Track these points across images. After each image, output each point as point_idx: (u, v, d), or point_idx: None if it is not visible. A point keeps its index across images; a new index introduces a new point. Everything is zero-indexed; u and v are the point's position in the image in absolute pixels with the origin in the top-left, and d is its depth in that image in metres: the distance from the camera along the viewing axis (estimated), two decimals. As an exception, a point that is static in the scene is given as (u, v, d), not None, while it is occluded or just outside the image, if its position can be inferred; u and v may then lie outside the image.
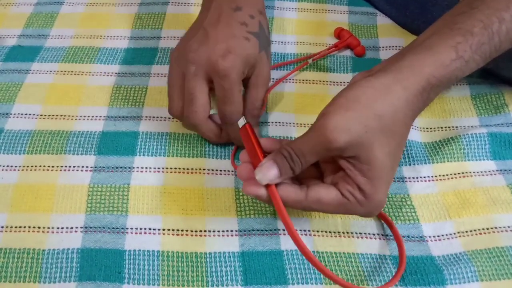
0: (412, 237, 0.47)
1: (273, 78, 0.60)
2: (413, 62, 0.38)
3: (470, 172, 0.51)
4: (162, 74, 0.60)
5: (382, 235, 0.47)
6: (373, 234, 0.47)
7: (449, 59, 0.37)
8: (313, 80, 0.61)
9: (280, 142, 0.42)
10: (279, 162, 0.38)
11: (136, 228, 0.47)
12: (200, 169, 0.51)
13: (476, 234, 0.47)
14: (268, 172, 0.38)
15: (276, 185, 0.39)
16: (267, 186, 0.39)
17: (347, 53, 0.64)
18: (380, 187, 0.38)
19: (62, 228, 0.47)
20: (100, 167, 0.51)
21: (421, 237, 0.47)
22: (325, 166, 0.42)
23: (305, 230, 0.47)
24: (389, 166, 0.38)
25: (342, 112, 0.36)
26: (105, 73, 0.60)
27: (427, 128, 0.56)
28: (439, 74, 0.37)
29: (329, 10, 0.69)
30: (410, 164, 0.52)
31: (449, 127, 0.56)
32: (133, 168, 0.51)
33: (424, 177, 0.51)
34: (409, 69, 0.37)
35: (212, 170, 0.51)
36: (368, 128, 0.36)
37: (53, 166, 0.51)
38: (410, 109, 0.37)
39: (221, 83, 0.47)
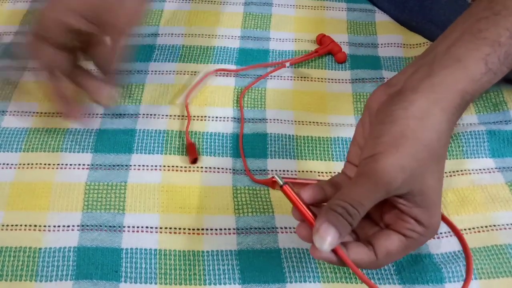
0: (411, 235, 0.47)
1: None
2: (444, 79, 0.36)
3: (468, 170, 0.51)
4: (159, 71, 0.60)
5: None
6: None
7: (479, 73, 0.36)
8: (312, 78, 0.61)
9: (323, 190, 0.38)
10: (335, 221, 0.34)
11: (133, 227, 0.47)
12: (197, 167, 0.51)
13: (475, 232, 0.47)
14: (327, 236, 0.33)
15: (346, 246, 0.36)
16: (335, 250, 0.35)
17: (345, 50, 0.63)
18: (435, 211, 0.36)
19: (59, 226, 0.46)
20: (97, 165, 0.51)
21: (419, 235, 0.47)
22: None
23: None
24: (440, 189, 0.37)
25: (393, 151, 0.34)
26: (102, 70, 0.60)
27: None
28: (471, 89, 0.36)
29: (327, 7, 0.69)
30: (408, 162, 0.52)
31: (447, 125, 0.56)
32: (130, 166, 0.51)
33: (423, 174, 0.51)
34: (442, 88, 0.36)
35: (210, 168, 0.51)
36: (420, 162, 0.34)
37: (49, 164, 0.50)
38: (450, 128, 0.36)
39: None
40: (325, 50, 0.63)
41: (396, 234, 0.36)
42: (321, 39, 0.64)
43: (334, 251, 0.35)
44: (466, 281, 0.40)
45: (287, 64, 0.61)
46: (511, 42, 0.36)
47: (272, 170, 0.52)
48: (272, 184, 0.50)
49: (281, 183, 0.38)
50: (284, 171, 0.52)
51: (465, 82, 0.36)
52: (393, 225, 0.36)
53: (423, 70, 0.37)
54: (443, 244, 0.47)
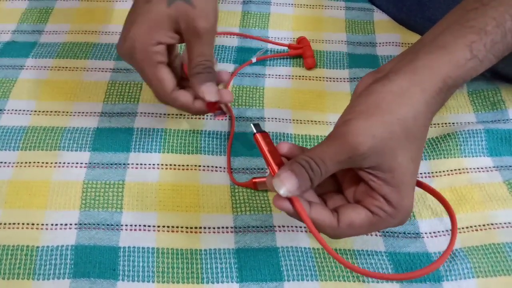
0: (408, 233, 0.47)
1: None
2: (428, 62, 0.36)
3: (466, 169, 0.51)
4: (157, 70, 0.60)
5: (378, 231, 0.47)
6: (369, 231, 0.47)
7: (464, 59, 0.36)
8: (310, 76, 0.61)
9: (302, 149, 0.39)
10: (297, 172, 0.35)
11: (131, 225, 0.47)
12: (195, 165, 0.51)
13: (472, 231, 0.47)
14: (286, 182, 0.35)
15: (310, 204, 0.36)
16: (292, 201, 0.36)
17: (343, 49, 0.64)
18: (407, 193, 0.36)
19: (57, 224, 0.46)
20: (94, 163, 0.51)
21: (417, 233, 0.47)
22: (343, 178, 0.40)
23: (301, 227, 0.47)
24: (412, 170, 0.36)
25: (364, 117, 0.35)
26: (100, 69, 0.60)
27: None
28: (454, 74, 0.36)
29: (326, 6, 0.69)
30: (406, 161, 0.52)
31: (445, 124, 0.56)
32: (128, 164, 0.51)
33: (421, 173, 0.51)
34: (424, 70, 0.36)
35: (208, 166, 0.51)
36: (393, 134, 0.35)
37: (47, 163, 0.50)
38: (429, 111, 0.36)
39: (133, 66, 0.45)
40: (296, 53, 0.62)
41: (364, 209, 0.37)
42: (300, 41, 0.63)
43: (292, 202, 0.36)
44: (451, 242, 0.39)
45: (253, 59, 0.61)
46: (498, 31, 0.37)
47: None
48: (254, 185, 0.49)
49: (255, 131, 0.39)
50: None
51: (449, 67, 0.36)
52: (362, 201, 0.37)
53: (409, 56, 0.37)
54: (440, 243, 0.47)
